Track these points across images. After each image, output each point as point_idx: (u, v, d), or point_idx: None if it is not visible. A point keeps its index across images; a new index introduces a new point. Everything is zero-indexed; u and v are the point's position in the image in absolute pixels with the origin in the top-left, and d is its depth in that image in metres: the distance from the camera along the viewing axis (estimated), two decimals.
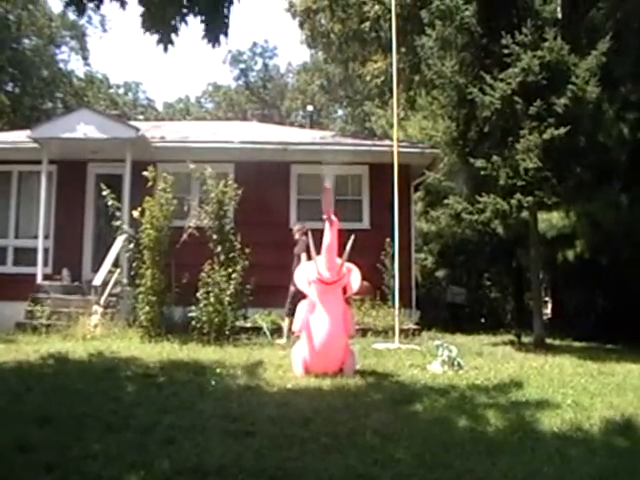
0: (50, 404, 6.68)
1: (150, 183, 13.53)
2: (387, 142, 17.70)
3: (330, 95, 49.06)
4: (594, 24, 14.18)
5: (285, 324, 13.40)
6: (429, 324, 16.53)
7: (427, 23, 15.27)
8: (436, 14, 14.92)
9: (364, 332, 13.79)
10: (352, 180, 17.88)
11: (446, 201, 15.66)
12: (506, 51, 13.70)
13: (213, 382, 8.18)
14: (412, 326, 15.28)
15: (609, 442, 5.98)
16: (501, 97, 13.54)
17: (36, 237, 16.29)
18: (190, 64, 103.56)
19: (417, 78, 25.72)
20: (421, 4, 17.58)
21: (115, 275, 14.76)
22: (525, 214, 14.77)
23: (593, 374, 9.91)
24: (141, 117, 55.38)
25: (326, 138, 20.02)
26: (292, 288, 12.82)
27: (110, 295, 14.56)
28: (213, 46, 6.20)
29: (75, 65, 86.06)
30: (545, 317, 20.03)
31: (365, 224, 17.18)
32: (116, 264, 14.90)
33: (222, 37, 6.21)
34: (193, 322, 12.77)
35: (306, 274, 9.33)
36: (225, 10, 6.22)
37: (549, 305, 26.16)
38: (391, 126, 19.11)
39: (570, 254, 17.73)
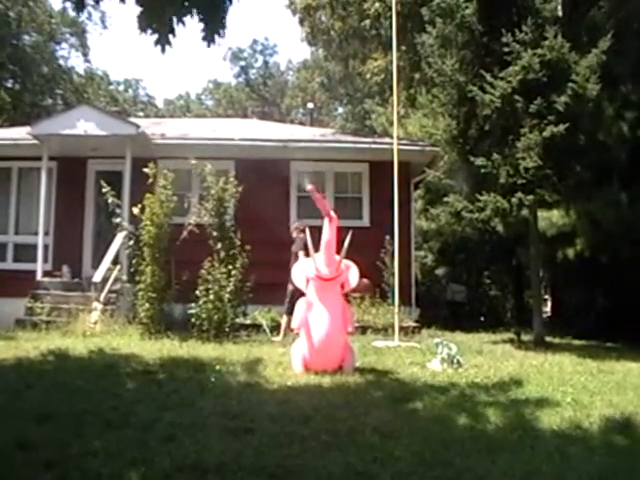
0: (50, 401, 6.68)
1: (150, 180, 13.51)
2: (387, 140, 17.70)
3: (330, 93, 49.10)
4: (595, 22, 14.18)
5: (283, 322, 13.41)
6: (429, 322, 16.53)
7: (427, 21, 15.27)
8: (437, 12, 14.92)
9: (364, 330, 13.81)
10: (352, 178, 17.91)
11: (446, 199, 15.66)
12: (506, 49, 13.70)
13: (213, 379, 8.17)
14: (412, 324, 15.30)
15: (608, 440, 5.98)
16: (501, 95, 13.54)
17: (36, 233, 16.28)
18: (190, 61, 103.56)
19: (417, 76, 25.75)
20: (421, 2, 17.54)
21: (115, 272, 14.76)
22: (525, 212, 14.77)
23: (593, 372, 9.91)
24: (141, 114, 55.43)
25: (326, 136, 20.03)
26: (290, 287, 12.83)
27: (110, 292, 14.57)
28: (208, 45, 6.18)
29: (75, 62, 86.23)
30: (545, 315, 20.04)
31: (365, 222, 17.21)
32: (116, 261, 14.91)
33: (217, 37, 6.19)
34: (193, 319, 12.76)
35: (304, 271, 9.33)
36: (223, 10, 6.21)
37: (549, 303, 26.17)
38: (391, 124, 19.11)
39: (570, 252, 17.74)
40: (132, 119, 21.09)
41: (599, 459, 5.34)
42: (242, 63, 67.15)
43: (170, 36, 6.13)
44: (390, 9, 18.50)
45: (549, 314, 25.22)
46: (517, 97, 13.48)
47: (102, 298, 14.23)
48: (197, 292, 12.81)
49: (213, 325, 12.69)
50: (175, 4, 6.11)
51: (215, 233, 13.45)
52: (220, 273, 12.83)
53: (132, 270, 13.66)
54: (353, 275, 9.33)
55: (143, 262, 13.10)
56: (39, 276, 15.71)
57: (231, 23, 6.26)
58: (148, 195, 13.29)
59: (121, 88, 64.88)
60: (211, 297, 12.70)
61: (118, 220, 14.34)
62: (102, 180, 14.69)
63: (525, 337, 15.98)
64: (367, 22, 29.09)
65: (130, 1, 6.24)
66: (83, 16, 46.69)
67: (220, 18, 6.18)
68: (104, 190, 13.97)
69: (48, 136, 16.23)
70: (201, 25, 6.15)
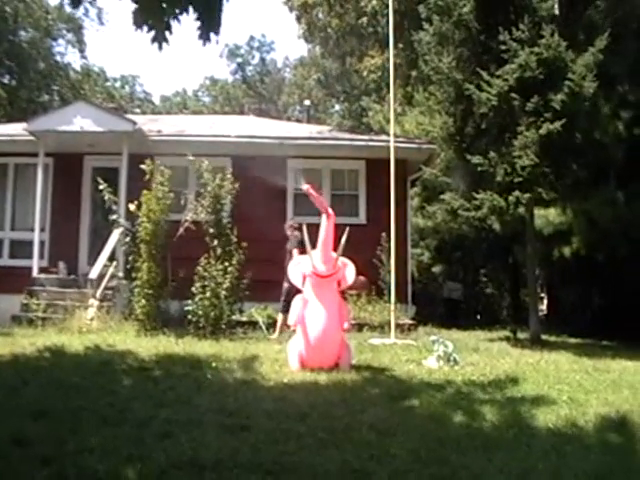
0: (46, 397, 6.67)
1: (147, 176, 13.49)
2: (384, 137, 17.69)
3: (327, 90, 49.02)
4: (591, 21, 14.18)
5: (279, 320, 13.40)
6: (425, 319, 16.53)
7: (425, 18, 15.28)
8: (434, 9, 14.93)
9: (360, 327, 13.83)
10: (349, 175, 17.91)
11: (443, 197, 15.67)
12: (503, 47, 13.72)
13: (209, 376, 8.17)
14: (408, 321, 15.31)
15: (604, 439, 5.99)
16: (498, 93, 13.55)
17: (32, 230, 16.26)
18: (187, 58, 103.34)
19: (414, 73, 25.73)
20: None
21: (111, 268, 14.75)
22: (522, 210, 14.78)
23: (588, 371, 9.92)
24: (138, 110, 55.36)
25: (323, 133, 20.01)
26: (286, 285, 12.86)
27: (106, 288, 14.56)
28: (204, 44, 6.15)
29: (72, 58, 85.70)
30: (541, 313, 20.11)
31: (362, 219, 17.22)
32: (112, 257, 14.90)
33: (213, 35, 6.17)
34: (189, 316, 12.77)
35: (300, 268, 9.33)
36: (219, 7, 6.19)
37: (545, 301, 26.25)
38: (388, 121, 19.12)
39: (566, 251, 17.77)
40: (129, 116, 21.04)
41: (595, 457, 5.35)
42: (239, 60, 67.04)
43: (167, 33, 6.10)
44: (387, 6, 18.48)
45: (545, 312, 25.33)
46: (514, 95, 13.48)
47: (98, 295, 14.23)
48: (193, 289, 12.82)
49: (209, 322, 12.69)
50: (170, 0, 6.09)
51: (211, 230, 13.45)
52: (216, 270, 12.83)
53: (128, 267, 13.67)
54: (350, 273, 9.33)
55: (139, 259, 13.09)
56: (35, 272, 15.70)
57: (228, 20, 6.25)
58: (145, 192, 13.27)
59: (118, 85, 64.76)
60: (207, 294, 12.71)
61: (114, 216, 14.33)
62: (98, 176, 14.69)
63: (521, 335, 16.01)
64: (364, 19, 29.10)
65: None
66: (80, 12, 46.73)
67: (215, 16, 6.15)
68: (101, 187, 13.97)
69: (44, 132, 16.22)
70: (197, 23, 6.12)
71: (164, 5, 6.08)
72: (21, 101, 43.86)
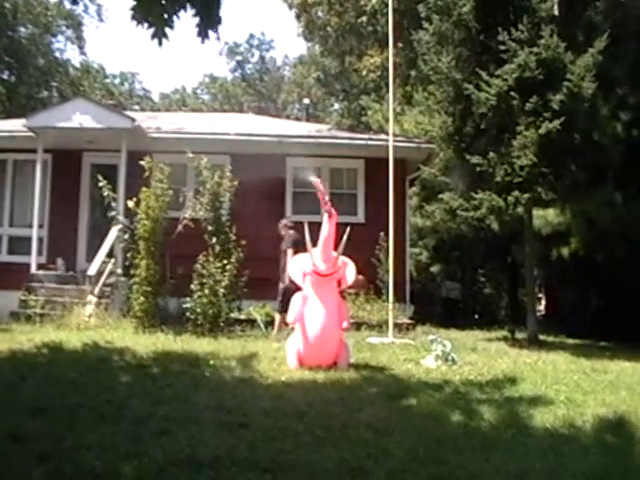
0: (44, 394, 6.66)
1: (146, 173, 13.48)
2: (383, 136, 17.67)
3: (326, 88, 48.95)
4: (591, 22, 14.19)
5: (276, 320, 13.38)
6: (423, 319, 16.53)
7: (424, 18, 15.27)
8: (433, 9, 14.92)
9: (358, 326, 13.81)
10: (347, 174, 17.90)
11: (441, 196, 15.66)
12: (503, 47, 13.72)
13: (207, 374, 8.18)
14: (406, 321, 15.32)
15: (602, 439, 5.99)
16: (497, 93, 13.55)
17: (31, 226, 16.25)
18: (187, 55, 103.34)
19: (413, 73, 25.74)
20: None
21: (110, 265, 14.73)
22: (520, 210, 14.79)
23: (586, 371, 9.93)
24: (137, 107, 55.29)
25: (322, 131, 20.01)
26: (281, 284, 12.86)
27: (104, 285, 14.55)
28: (203, 41, 6.15)
29: (71, 54, 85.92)
30: (539, 314, 20.10)
31: (360, 218, 17.21)
32: (111, 254, 14.87)
33: (212, 32, 6.16)
34: (187, 313, 12.77)
35: (301, 266, 9.32)
36: (217, 4, 6.18)
37: (543, 302, 26.25)
38: (387, 120, 19.11)
39: (565, 251, 17.79)
40: (128, 112, 21.02)
41: (592, 458, 5.35)
42: (238, 58, 67.05)
43: (167, 29, 6.10)
44: (387, 5, 18.50)
45: (543, 312, 25.32)
46: (513, 95, 13.48)
47: (96, 291, 14.22)
48: (192, 286, 12.83)
49: (208, 319, 12.70)
50: None
51: (210, 227, 13.45)
52: (215, 267, 12.82)
53: (127, 264, 13.67)
54: (350, 272, 9.33)
55: (138, 256, 13.09)
56: (33, 269, 15.69)
57: (227, 18, 6.24)
58: (144, 189, 13.27)
59: (117, 81, 64.75)
60: (206, 291, 12.71)
61: (113, 213, 14.32)
62: (97, 173, 14.69)
63: (519, 335, 16.02)
64: (364, 18, 29.09)
65: None
66: (79, 9, 46.76)
67: (214, 12, 6.15)
68: (100, 184, 13.93)
69: (43, 128, 16.20)
70: (195, 20, 6.12)
71: (163, 1, 6.08)
72: (20, 97, 43.85)
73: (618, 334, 16.15)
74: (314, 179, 9.63)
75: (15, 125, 17.63)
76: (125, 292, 13.86)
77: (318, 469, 4.82)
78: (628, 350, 13.39)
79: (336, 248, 9.02)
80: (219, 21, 6.16)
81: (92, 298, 14.01)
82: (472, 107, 14.15)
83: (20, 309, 14.13)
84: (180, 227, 13.64)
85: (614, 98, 15.75)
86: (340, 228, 9.05)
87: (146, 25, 6.04)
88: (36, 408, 6.03)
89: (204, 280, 12.79)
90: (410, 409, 6.87)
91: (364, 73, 32.32)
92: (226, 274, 12.83)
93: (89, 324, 13.02)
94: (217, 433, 5.57)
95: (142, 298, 12.92)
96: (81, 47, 51.09)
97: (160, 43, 6.10)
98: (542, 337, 15.43)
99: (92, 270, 14.37)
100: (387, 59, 19.01)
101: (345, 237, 8.95)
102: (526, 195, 13.43)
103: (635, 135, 16.24)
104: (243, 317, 14.16)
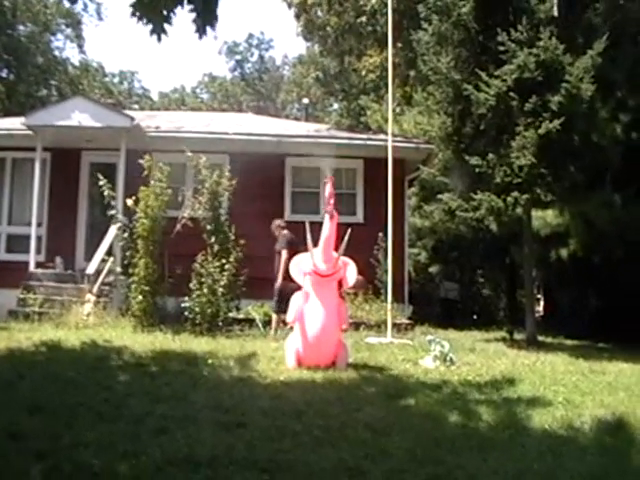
0: (42, 392, 6.66)
1: (145, 172, 13.48)
2: (382, 136, 17.68)
3: (325, 88, 48.92)
4: (590, 24, 14.18)
5: (273, 321, 13.37)
6: (422, 319, 16.51)
7: (423, 18, 15.25)
8: (433, 9, 14.91)
9: (357, 326, 13.82)
10: (346, 174, 17.88)
11: (440, 197, 15.65)
12: (502, 48, 13.71)
13: (205, 373, 8.18)
14: (405, 321, 15.32)
15: (600, 440, 5.99)
16: (496, 94, 13.54)
17: (29, 224, 16.25)
18: (186, 54, 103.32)
19: (413, 73, 25.73)
20: None
21: (108, 264, 14.72)
22: (519, 211, 14.79)
23: (584, 372, 9.93)
24: (136, 106, 55.33)
25: (321, 131, 20.01)
26: (277, 285, 12.87)
27: (103, 284, 14.54)
28: (200, 37, 6.15)
29: (70, 53, 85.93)
30: (537, 315, 20.09)
31: (359, 218, 17.21)
32: (109, 253, 14.87)
33: (209, 28, 6.16)
34: (186, 312, 12.77)
35: (301, 266, 9.31)
36: (214, 0, 6.18)
37: (541, 303, 26.23)
38: (386, 120, 19.10)
39: (563, 252, 17.79)
40: (127, 111, 21.03)
41: (590, 459, 5.35)
42: (238, 57, 67.13)
43: (166, 25, 6.10)
44: (386, 5, 18.48)
45: (542, 313, 25.30)
46: (512, 95, 13.48)
47: (95, 290, 14.21)
48: (190, 285, 12.81)
49: (206, 319, 12.70)
50: None
51: (209, 227, 13.45)
52: (214, 267, 12.82)
53: (125, 262, 13.65)
54: (351, 273, 9.32)
55: (137, 255, 13.09)
56: (32, 267, 15.68)
57: (227, 17, 6.27)
58: (143, 187, 13.26)
59: (116, 80, 64.74)
60: (204, 291, 12.71)
61: (112, 212, 14.31)
62: (96, 172, 14.67)
63: (517, 336, 16.02)
64: (363, 18, 29.03)
65: None
66: (78, 7, 46.75)
67: (212, 8, 6.15)
68: (100, 183, 13.91)
69: (42, 127, 16.19)
70: (193, 17, 6.12)
71: None
72: (19, 95, 43.81)
73: (616, 335, 16.15)
74: (329, 175, 9.72)
75: (14, 123, 17.61)
76: (124, 291, 13.85)
77: (316, 469, 4.82)
78: (626, 351, 13.39)
79: (337, 249, 9.02)
80: (216, 17, 6.16)
81: (91, 297, 14.00)
82: (471, 107, 14.14)
83: (18, 307, 14.12)
84: (179, 226, 13.64)
85: (613, 100, 15.74)
86: (340, 229, 9.04)
87: (145, 21, 6.04)
88: (34, 406, 6.03)
89: (203, 279, 12.79)
90: (408, 409, 6.88)
91: (363, 73, 32.31)
92: (225, 273, 12.82)
93: (87, 323, 13.02)
94: (215, 432, 5.57)
95: (141, 297, 12.92)
96: (80, 46, 51.13)
97: (159, 39, 6.11)
98: (540, 338, 15.42)
99: (91, 269, 14.37)
100: (386, 59, 19.01)
101: (346, 238, 8.95)
102: (525, 196, 13.42)
103: (634, 137, 16.24)
104: (242, 316, 14.15)
